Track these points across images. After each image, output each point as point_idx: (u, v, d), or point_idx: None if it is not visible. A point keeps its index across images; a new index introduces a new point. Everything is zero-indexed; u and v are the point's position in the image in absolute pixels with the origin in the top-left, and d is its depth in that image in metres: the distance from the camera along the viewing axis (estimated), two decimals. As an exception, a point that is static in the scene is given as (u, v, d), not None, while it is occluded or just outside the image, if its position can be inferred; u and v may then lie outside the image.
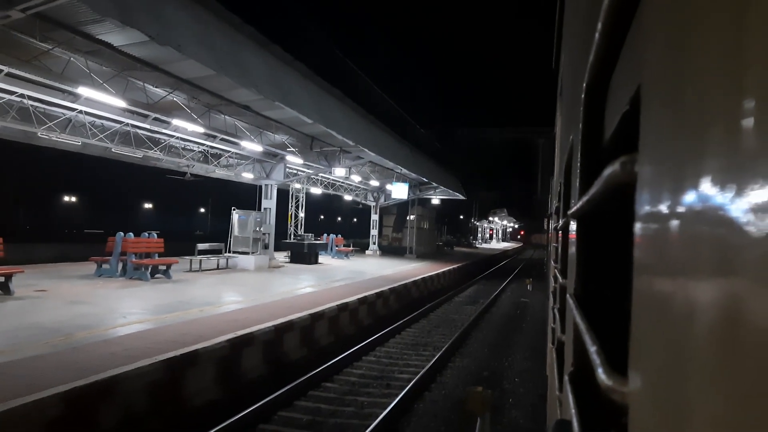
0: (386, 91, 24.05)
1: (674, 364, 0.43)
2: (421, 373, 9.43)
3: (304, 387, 8.58)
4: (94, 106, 11.40)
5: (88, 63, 9.05)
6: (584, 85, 1.19)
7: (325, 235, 27.67)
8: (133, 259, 13.19)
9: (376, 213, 32.51)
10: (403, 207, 34.98)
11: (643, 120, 0.64)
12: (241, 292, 13.09)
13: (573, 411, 1.08)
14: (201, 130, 12.46)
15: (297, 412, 7.69)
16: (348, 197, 31.48)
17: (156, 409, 6.66)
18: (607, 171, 0.80)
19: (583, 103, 1.25)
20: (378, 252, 32.45)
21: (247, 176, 20.00)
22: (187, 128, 12.48)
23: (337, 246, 27.37)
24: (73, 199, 74.09)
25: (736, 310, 0.32)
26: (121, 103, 10.17)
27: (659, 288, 0.51)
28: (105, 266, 13.42)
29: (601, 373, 0.71)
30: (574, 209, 1.40)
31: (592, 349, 0.83)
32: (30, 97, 10.62)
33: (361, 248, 33.30)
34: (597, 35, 0.92)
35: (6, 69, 9.01)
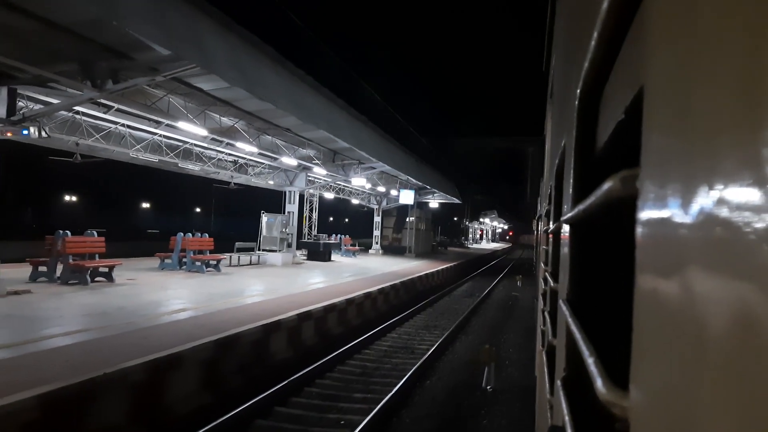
0: (391, 104, 26.80)
1: (682, 381, 0.41)
2: (437, 344, 12.15)
3: (350, 352, 11.27)
4: (168, 131, 14.05)
5: (186, 104, 11.71)
6: (578, 90, 1.17)
7: (334, 235, 30.39)
8: (192, 255, 15.82)
9: (378, 215, 35.23)
10: (402, 209, 37.65)
11: (645, 131, 0.60)
12: (282, 282, 15.74)
13: (567, 418, 1.07)
14: (256, 150, 15.18)
15: (350, 367, 10.39)
16: (355, 201, 34.19)
17: (257, 360, 9.33)
18: (607, 185, 0.75)
19: (576, 109, 1.22)
20: (380, 251, 35.17)
21: (271, 183, 22.67)
22: (245, 149, 15.20)
23: (345, 245, 30.09)
24: (74, 198, 76.07)
25: (748, 329, 0.29)
26: (204, 132, 12.84)
27: (664, 310, 0.47)
28: (167, 261, 16.03)
29: (600, 386, 0.70)
30: (568, 216, 1.36)
31: (590, 360, 0.81)
32: (126, 126, 13.24)
33: (364, 247, 36.00)
34: (593, 40, 0.89)
35: (116, 105, 11.65)
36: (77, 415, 5.67)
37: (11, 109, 9.38)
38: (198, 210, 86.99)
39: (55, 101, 9.76)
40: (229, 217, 73.56)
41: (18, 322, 8.25)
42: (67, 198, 73.16)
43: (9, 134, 9.27)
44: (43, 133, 9.78)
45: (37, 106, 10.99)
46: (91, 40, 8.70)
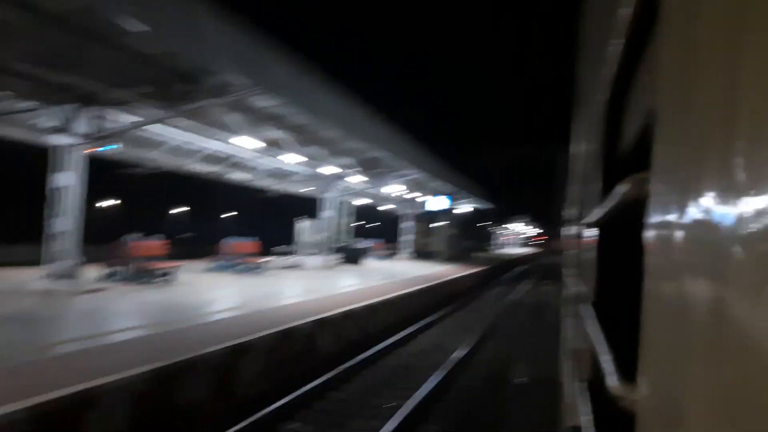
0: (424, 111, 27.85)
1: (683, 374, 0.43)
2: (471, 343, 13.03)
3: (390, 348, 12.23)
4: (220, 144, 15.34)
5: (244, 119, 12.95)
6: (603, 100, 1.21)
7: (365, 239, 31.55)
8: (240, 258, 17.06)
9: (408, 220, 36.17)
10: (431, 215, 38.43)
11: (657, 137, 0.65)
12: (324, 284, 16.80)
13: (591, 421, 1.09)
14: (305, 159, 16.44)
15: (394, 361, 11.37)
16: (385, 207, 35.24)
17: (308, 350, 10.37)
18: (622, 188, 0.81)
19: (602, 118, 1.26)
20: (409, 255, 36.10)
21: (308, 190, 23.92)
22: (293, 159, 16.45)
23: (377, 250, 31.19)
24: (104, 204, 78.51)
25: (748, 327, 0.31)
26: (262, 144, 14.12)
27: (669, 305, 0.50)
28: (217, 263, 17.31)
29: (611, 381, 0.72)
30: (592, 219, 1.39)
31: (607, 357, 0.83)
32: (184, 140, 14.64)
33: (393, 252, 36.93)
34: (616, 53, 0.95)
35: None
36: (179, 388, 6.79)
37: (95, 127, 10.67)
38: (223, 216, 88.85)
39: (134, 118, 11.02)
40: (256, 221, 75.22)
41: (104, 315, 9.47)
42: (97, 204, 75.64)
43: (94, 149, 10.56)
44: (121, 147, 11.06)
45: (108, 124, 12.29)
46: (169, 67, 9.92)
